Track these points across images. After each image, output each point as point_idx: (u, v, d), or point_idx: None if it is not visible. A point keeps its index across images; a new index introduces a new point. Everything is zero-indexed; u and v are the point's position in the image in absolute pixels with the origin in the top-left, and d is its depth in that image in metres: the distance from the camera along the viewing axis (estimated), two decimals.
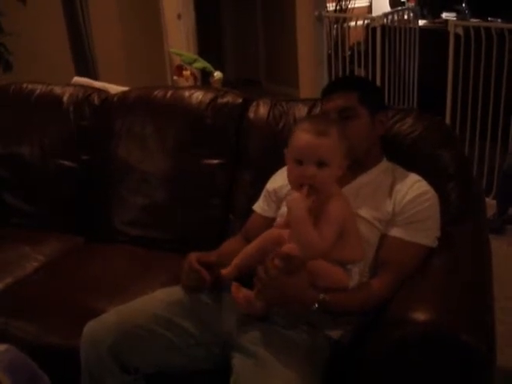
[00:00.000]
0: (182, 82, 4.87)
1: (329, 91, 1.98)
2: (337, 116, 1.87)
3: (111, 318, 1.80)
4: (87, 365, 1.75)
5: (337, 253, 1.67)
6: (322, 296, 1.63)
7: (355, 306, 1.70)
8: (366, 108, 1.89)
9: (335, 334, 1.74)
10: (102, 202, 2.68)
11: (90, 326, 1.78)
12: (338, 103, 1.89)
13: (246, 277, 1.75)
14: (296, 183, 1.69)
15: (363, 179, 1.91)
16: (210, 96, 2.52)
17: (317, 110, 2.29)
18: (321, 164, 1.65)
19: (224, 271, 1.78)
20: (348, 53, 5.00)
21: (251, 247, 1.79)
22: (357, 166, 1.88)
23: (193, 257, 1.84)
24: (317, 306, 1.63)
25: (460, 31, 4.14)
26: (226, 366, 1.69)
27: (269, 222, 1.94)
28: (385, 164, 1.96)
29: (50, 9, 5.21)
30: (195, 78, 5.03)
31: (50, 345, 2.02)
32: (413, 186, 1.84)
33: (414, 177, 1.89)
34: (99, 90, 2.88)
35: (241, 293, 1.72)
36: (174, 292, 1.88)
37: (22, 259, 2.50)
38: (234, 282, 1.75)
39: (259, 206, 2.06)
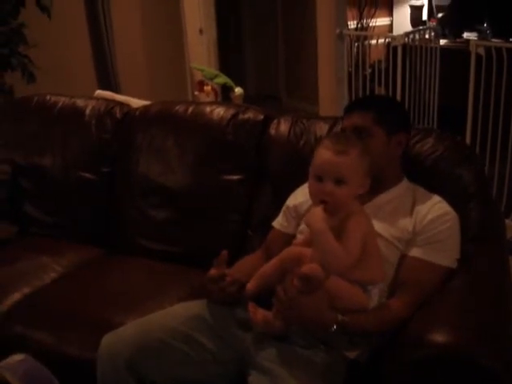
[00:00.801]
0: (203, 98, 4.88)
1: (348, 109, 2.01)
2: (352, 134, 1.88)
3: (129, 331, 1.80)
4: (104, 377, 1.76)
5: (357, 273, 1.67)
6: (340, 317, 1.63)
7: (374, 327, 1.69)
8: (381, 128, 1.89)
9: (352, 353, 1.73)
10: (121, 214, 2.70)
11: (108, 339, 1.78)
12: (353, 122, 1.91)
13: (264, 295, 1.76)
14: (315, 199, 1.71)
15: (383, 198, 1.91)
16: (231, 112, 2.53)
17: (337, 128, 2.29)
18: (339, 182, 1.66)
19: (249, 286, 1.77)
20: (368, 71, 5.00)
21: (271, 265, 1.78)
22: (376, 184, 1.88)
23: (213, 270, 1.82)
24: (335, 327, 1.63)
25: (481, 51, 4.13)
26: (243, 383, 1.69)
27: (288, 239, 1.94)
28: (405, 184, 1.96)
29: (74, 22, 5.27)
30: (216, 94, 5.04)
31: (66, 356, 2.02)
32: (434, 207, 1.84)
33: (435, 197, 1.89)
34: (121, 104, 2.91)
35: (258, 313, 1.72)
36: (193, 306, 1.88)
37: (41, 269, 2.51)
38: (251, 302, 1.75)
39: (278, 223, 2.06)
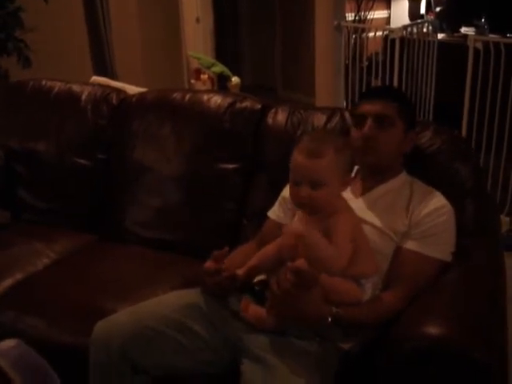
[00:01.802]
0: (200, 86, 4.89)
1: (370, 95, 1.99)
2: (371, 121, 1.86)
3: (122, 318, 1.79)
4: (96, 364, 1.75)
5: (350, 268, 1.66)
6: (335, 310, 1.63)
7: (368, 320, 1.70)
8: (402, 122, 1.89)
9: (346, 345, 1.73)
10: (115, 201, 2.69)
11: (101, 326, 1.78)
12: (377, 108, 1.88)
13: (258, 293, 1.78)
14: (295, 203, 1.70)
15: (381, 190, 1.91)
16: (228, 100, 2.52)
17: (335, 120, 2.29)
18: (316, 185, 1.64)
19: (239, 271, 1.77)
20: (365, 63, 4.98)
21: (268, 249, 1.78)
22: (378, 176, 1.88)
23: (209, 263, 1.81)
24: (330, 320, 1.63)
25: (479, 46, 4.13)
26: (236, 371, 1.69)
27: None
28: (404, 177, 1.96)
29: (70, 7, 5.24)
30: (212, 82, 5.04)
31: (58, 342, 2.02)
32: (430, 200, 1.84)
33: (432, 191, 1.89)
34: (117, 90, 2.89)
35: (250, 309, 1.72)
36: (186, 295, 1.88)
37: (33, 255, 2.49)
38: (245, 297, 1.76)
39: (274, 213, 2.06)
